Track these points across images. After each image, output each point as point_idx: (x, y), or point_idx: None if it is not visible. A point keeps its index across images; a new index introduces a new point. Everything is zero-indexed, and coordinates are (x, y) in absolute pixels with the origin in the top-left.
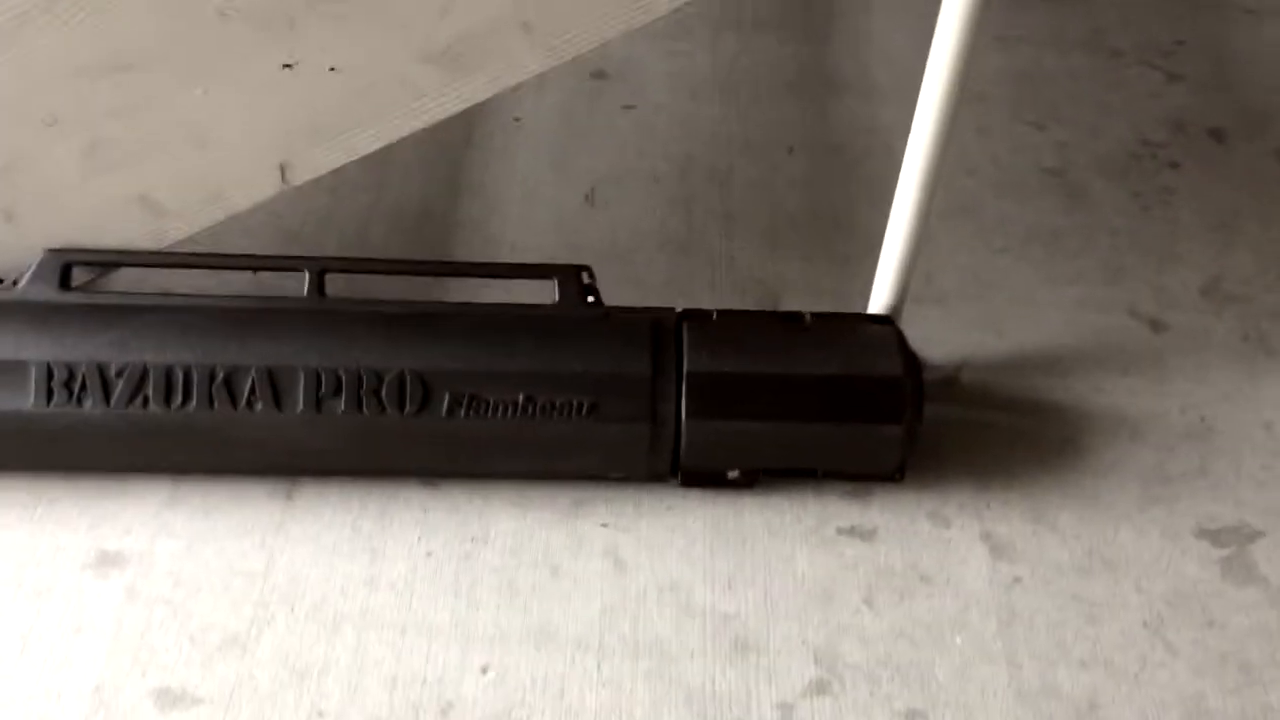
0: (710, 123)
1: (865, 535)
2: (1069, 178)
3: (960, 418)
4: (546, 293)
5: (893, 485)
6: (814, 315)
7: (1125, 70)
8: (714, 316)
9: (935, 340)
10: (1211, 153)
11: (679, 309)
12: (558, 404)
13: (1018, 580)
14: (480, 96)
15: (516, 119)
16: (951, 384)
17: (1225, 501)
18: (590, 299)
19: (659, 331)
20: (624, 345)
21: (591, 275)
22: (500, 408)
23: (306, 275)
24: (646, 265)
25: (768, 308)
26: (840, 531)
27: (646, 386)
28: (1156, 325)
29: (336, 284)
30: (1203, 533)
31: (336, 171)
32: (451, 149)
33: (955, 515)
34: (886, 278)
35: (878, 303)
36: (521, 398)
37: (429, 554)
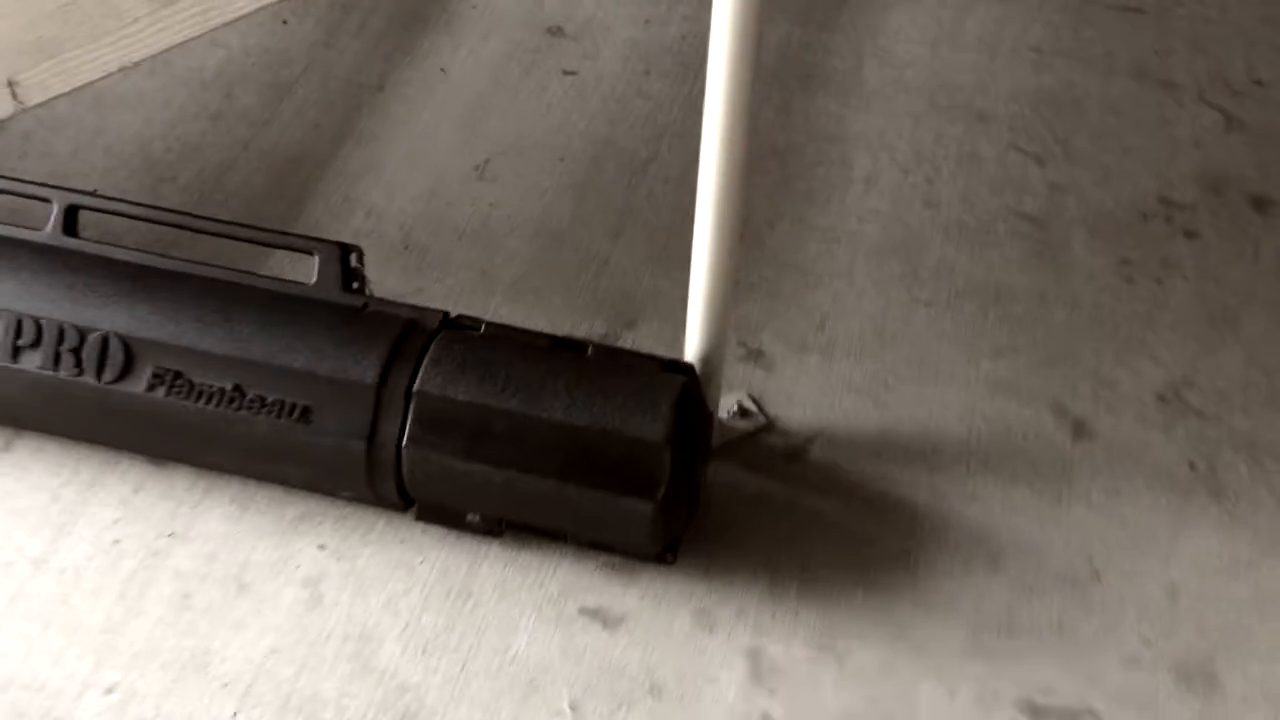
0: (651, 104)
1: (610, 622)
2: (1048, 229)
3: (784, 500)
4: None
5: (664, 567)
6: (599, 348)
7: (1175, 107)
8: (481, 329)
9: (799, 398)
10: (1245, 225)
11: (452, 313)
12: (268, 401)
13: (765, 717)
14: (193, 30)
15: (442, 69)
16: (794, 457)
17: (1073, 674)
18: (354, 285)
19: (408, 336)
20: (359, 347)
21: (361, 258)
22: (205, 393)
23: (54, 207)
24: (505, 256)
25: (620, 328)
26: (583, 611)
27: (369, 398)
28: (1080, 430)
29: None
30: (1027, 707)
31: (228, 97)
32: (360, 92)
33: (727, 620)
34: (695, 319)
35: (690, 348)
36: (230, 386)
37: (116, 542)
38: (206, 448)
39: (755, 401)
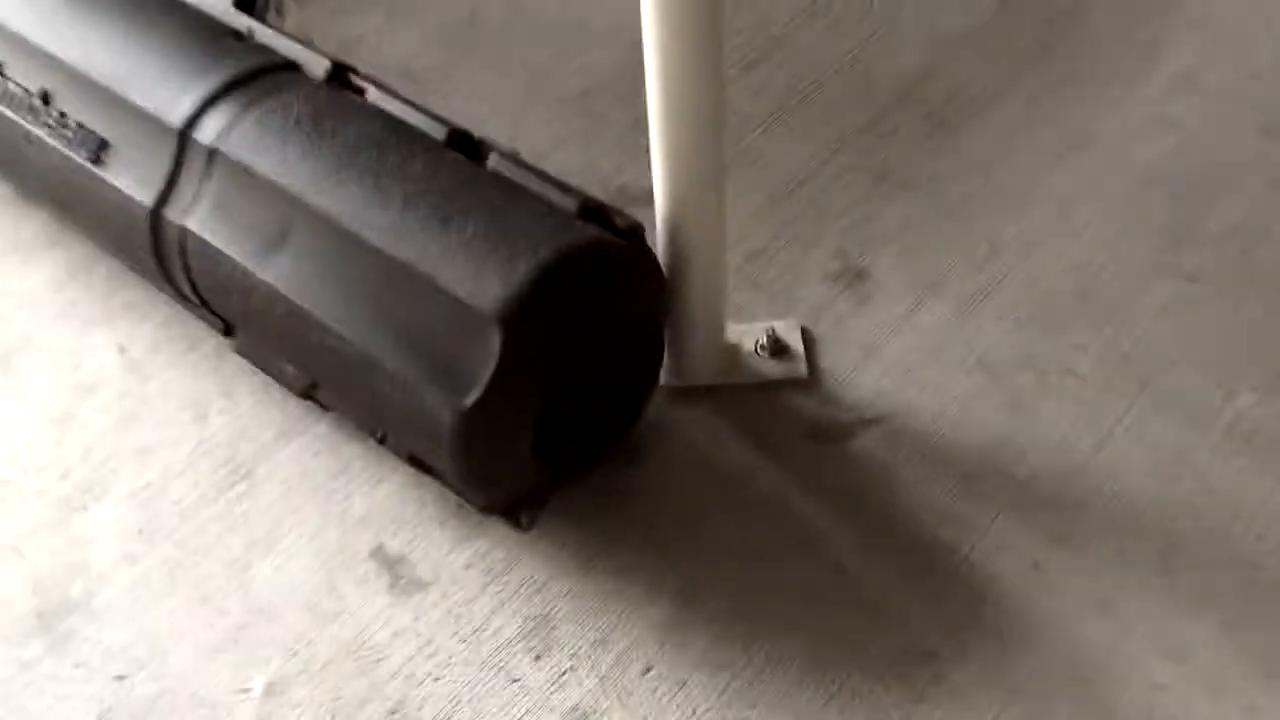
0: None
1: (402, 583)
2: None
3: (774, 502)
4: None
5: (516, 533)
6: (510, 162)
7: None
8: (365, 94)
9: (884, 357)
10: None
11: (359, 70)
12: (68, 123)
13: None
14: None
15: None
16: (828, 438)
17: None
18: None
19: (258, 78)
20: (188, 79)
21: None
22: (12, 95)
23: None
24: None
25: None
26: (376, 554)
27: (170, 146)
28: None
29: None
30: None
31: None
32: None
33: (567, 653)
34: (660, 147)
35: (658, 201)
36: (38, 91)
37: None
38: (9, 166)
39: (806, 338)
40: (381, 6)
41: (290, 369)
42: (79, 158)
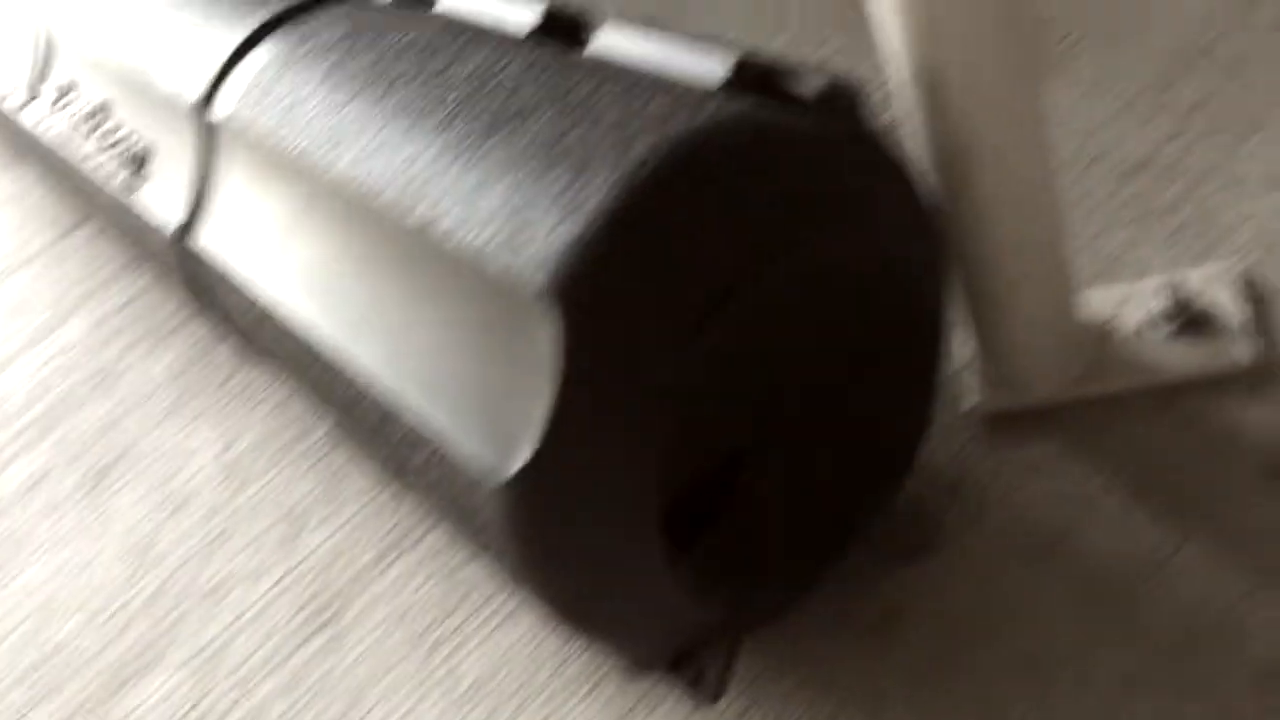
0: None
1: None
2: None
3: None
4: None
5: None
6: (666, 42)
7: None
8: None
9: None
10: None
11: None
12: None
13: None
14: None
15: None
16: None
17: None
18: None
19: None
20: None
21: None
22: (77, 110)
23: None
24: None
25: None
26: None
27: (197, 131)
28: None
29: None
30: None
31: None
32: None
33: None
34: None
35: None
36: (98, 101)
37: None
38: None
39: (1252, 292)
40: None
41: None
42: (125, 172)
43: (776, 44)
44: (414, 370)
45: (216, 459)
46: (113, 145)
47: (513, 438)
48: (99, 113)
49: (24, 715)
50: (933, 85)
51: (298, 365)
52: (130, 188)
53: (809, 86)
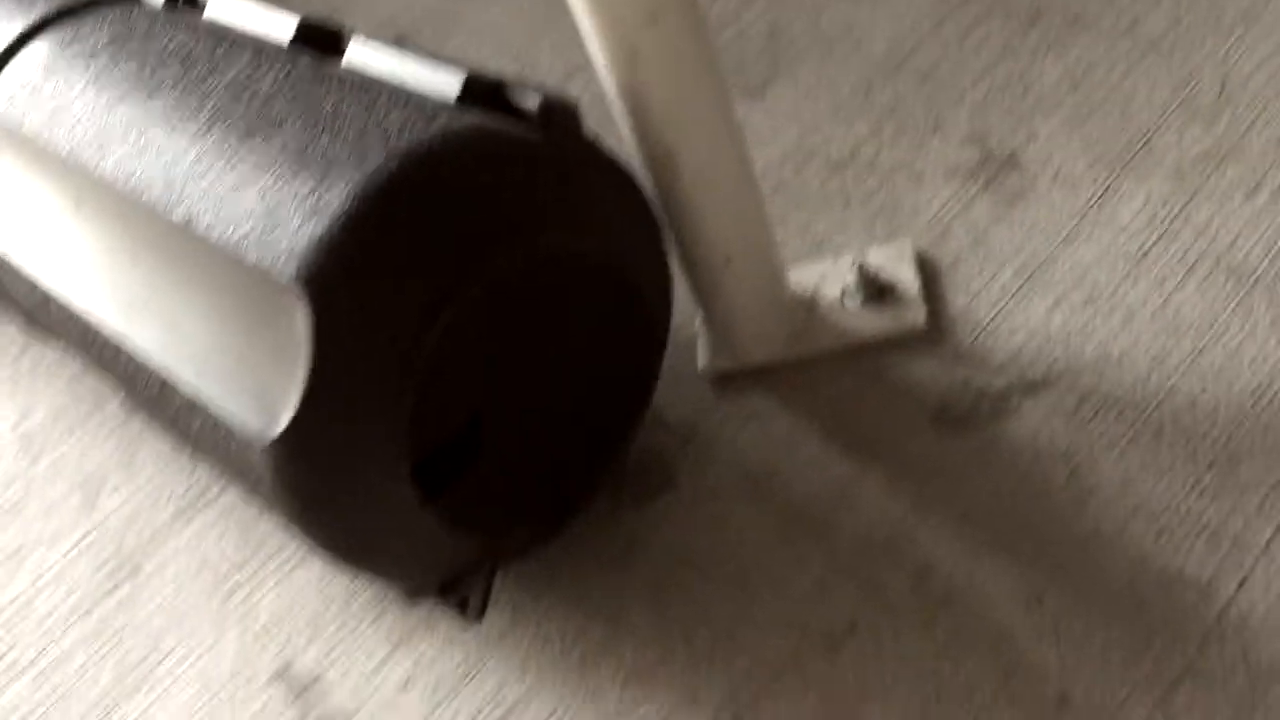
0: None
1: (308, 703)
2: None
3: (883, 530)
4: None
5: (460, 622)
6: (413, 56)
7: None
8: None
9: (1052, 284)
10: None
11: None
12: None
13: None
14: None
15: None
16: (965, 421)
17: None
18: None
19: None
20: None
21: None
22: None
23: None
24: None
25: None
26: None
27: None
28: None
29: None
30: None
31: None
32: None
33: None
34: None
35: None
36: None
37: None
38: None
39: (925, 268)
40: None
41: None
42: None
43: (538, 63)
44: (186, 348)
45: (13, 429)
46: None
47: (275, 404)
48: None
49: None
50: (636, 104)
51: (82, 344)
52: None
53: (531, 101)
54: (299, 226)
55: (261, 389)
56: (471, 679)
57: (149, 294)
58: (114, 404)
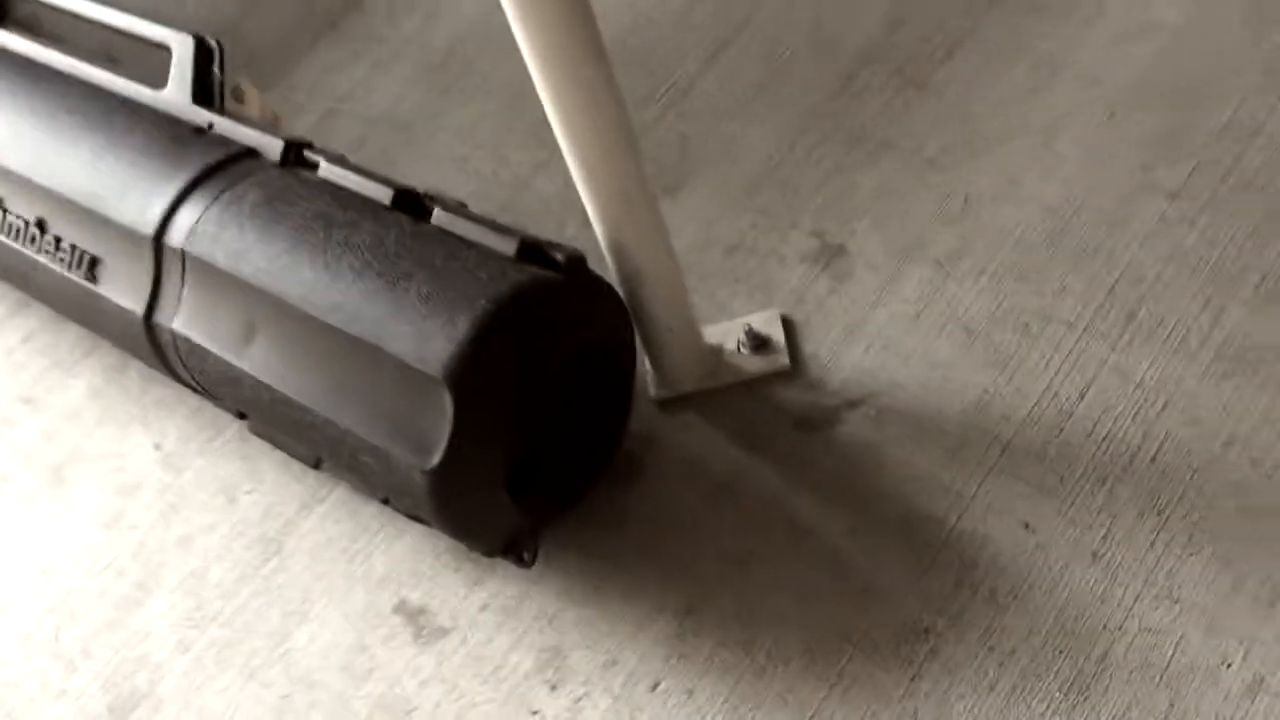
0: None
1: (427, 632)
2: None
3: (766, 494)
4: None
5: (523, 571)
6: (453, 211)
7: None
8: (319, 168)
9: (871, 334)
10: None
11: (300, 139)
12: (62, 244)
13: None
14: None
15: None
16: (814, 425)
17: None
18: (212, 92)
19: (219, 171)
20: (161, 182)
21: (222, 60)
22: (14, 227)
23: None
24: None
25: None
26: (400, 608)
27: (149, 254)
28: None
29: None
30: None
31: None
32: None
33: (584, 674)
34: (583, 151)
35: (593, 214)
36: (34, 220)
37: None
38: (30, 290)
39: (787, 327)
40: (365, 59)
41: (298, 445)
42: (77, 277)
43: (509, 159)
44: (367, 411)
45: (155, 450)
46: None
47: (429, 448)
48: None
49: (58, 635)
50: (618, 254)
51: (284, 421)
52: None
53: (560, 254)
54: (441, 346)
55: (420, 437)
56: (524, 601)
57: (340, 380)
58: (231, 430)
